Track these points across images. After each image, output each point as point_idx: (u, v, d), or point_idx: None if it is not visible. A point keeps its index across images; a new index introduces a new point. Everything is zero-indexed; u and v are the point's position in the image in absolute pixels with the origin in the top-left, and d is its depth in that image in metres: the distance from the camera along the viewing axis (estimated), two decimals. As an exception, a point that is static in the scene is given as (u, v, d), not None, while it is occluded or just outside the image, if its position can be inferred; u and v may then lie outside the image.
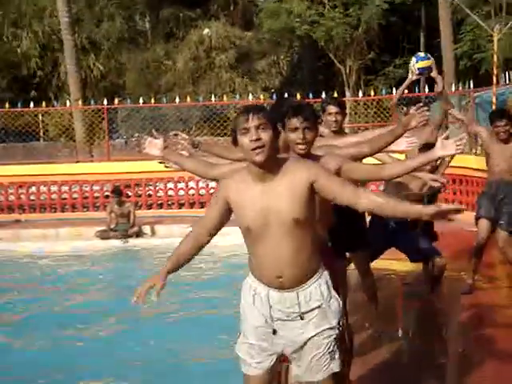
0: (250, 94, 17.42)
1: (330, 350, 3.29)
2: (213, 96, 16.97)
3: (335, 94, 15.49)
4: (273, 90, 24.16)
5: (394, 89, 14.90)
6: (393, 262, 8.78)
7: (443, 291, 7.17)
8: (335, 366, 3.32)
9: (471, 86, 14.51)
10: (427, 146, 5.38)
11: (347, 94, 26.25)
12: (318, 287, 3.27)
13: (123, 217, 12.54)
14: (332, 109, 5.49)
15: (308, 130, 3.51)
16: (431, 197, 6.85)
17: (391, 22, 27.54)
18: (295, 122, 3.48)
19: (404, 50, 30.08)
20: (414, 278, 7.94)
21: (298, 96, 15.31)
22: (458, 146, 3.69)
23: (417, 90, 17.22)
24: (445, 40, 22.23)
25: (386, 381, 4.95)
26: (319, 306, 3.26)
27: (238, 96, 19.85)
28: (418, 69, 6.41)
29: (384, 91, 16.22)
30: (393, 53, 29.23)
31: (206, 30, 27.83)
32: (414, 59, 6.59)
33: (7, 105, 16.10)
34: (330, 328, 3.29)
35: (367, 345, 5.66)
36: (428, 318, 6.55)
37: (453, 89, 15.48)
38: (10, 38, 28.25)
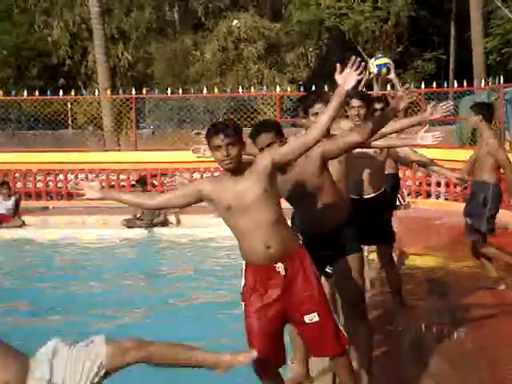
0: (278, 86, 17.37)
1: None
2: (240, 87, 16.97)
3: (363, 88, 15.45)
4: (300, 83, 24.08)
5: (422, 83, 14.80)
6: (416, 258, 8.79)
7: (465, 288, 7.17)
8: None
9: (501, 81, 14.34)
10: None
11: (375, 87, 26.10)
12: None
13: (147, 206, 12.60)
14: (355, 102, 5.53)
15: (231, 145, 3.65)
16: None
17: (421, 15, 27.33)
18: (216, 140, 3.66)
19: (434, 43, 29.86)
20: (438, 275, 7.93)
21: (326, 88, 15.26)
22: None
23: (446, 84, 17.10)
24: (475, 33, 22.03)
25: (406, 377, 4.95)
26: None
27: (265, 88, 19.82)
28: (377, 65, 6.42)
29: (413, 85, 16.09)
30: (422, 46, 29.01)
31: (235, 21, 27.81)
32: (372, 59, 6.59)
33: (37, 93, 16.27)
34: None
35: (388, 340, 5.67)
36: (450, 315, 6.52)
37: (482, 84, 15.34)
38: (41, 27, 28.52)
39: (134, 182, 13.90)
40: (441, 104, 4.70)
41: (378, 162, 5.98)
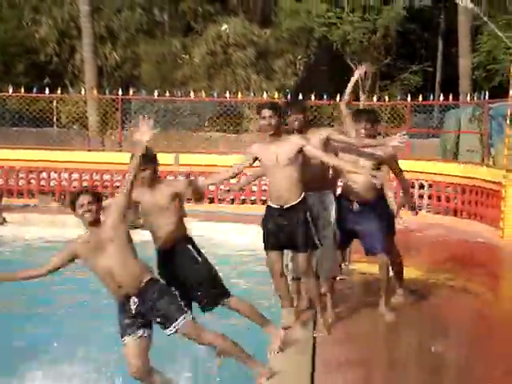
0: (265, 93, 17.40)
1: None
2: (228, 92, 16.98)
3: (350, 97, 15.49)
4: (287, 90, 24.14)
5: (409, 95, 14.90)
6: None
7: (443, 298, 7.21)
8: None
9: (486, 96, 14.47)
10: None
11: (361, 97, 26.21)
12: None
13: (129, 208, 12.50)
14: (265, 112, 5.63)
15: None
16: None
17: (409, 28, 27.51)
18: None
19: (421, 56, 30.07)
20: (417, 286, 7.96)
21: (313, 97, 15.32)
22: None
23: (432, 97, 17.22)
24: (462, 48, 22.21)
25: None
26: None
27: (252, 94, 19.85)
28: None
29: (399, 97, 16.20)
30: (410, 59, 29.21)
31: (224, 26, 27.83)
32: None
33: (22, 90, 16.18)
34: None
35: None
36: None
37: (468, 98, 15.46)
38: (30, 24, 28.39)
39: (118, 184, 13.82)
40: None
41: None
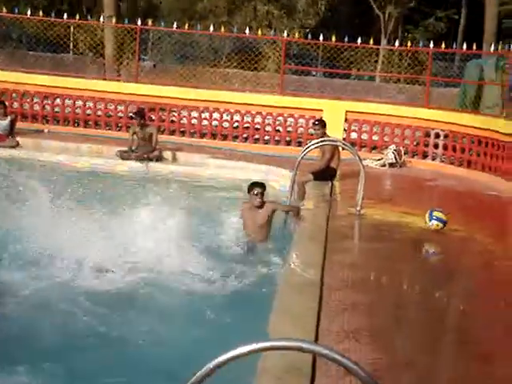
0: (285, 31, 17.07)
1: None
2: (247, 28, 16.70)
3: (371, 41, 15.23)
4: (308, 30, 23.73)
5: (431, 42, 14.58)
6: (403, 216, 8.79)
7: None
8: None
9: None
10: None
11: (383, 41, 25.78)
12: None
13: (144, 140, 12.51)
14: (257, 190, 7.50)
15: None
16: None
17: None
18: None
19: (447, 2, 29.36)
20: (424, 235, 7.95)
21: (334, 38, 15.05)
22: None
23: (454, 45, 16.88)
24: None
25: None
26: None
27: (272, 32, 19.54)
28: (435, 217, 7.72)
29: (421, 43, 15.86)
30: (435, 5, 28.57)
31: (248, -40, 27.22)
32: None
33: (41, 13, 15.97)
34: None
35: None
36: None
37: (491, 49, 15.15)
38: None
39: (131, 114, 13.77)
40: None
41: None
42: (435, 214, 7.67)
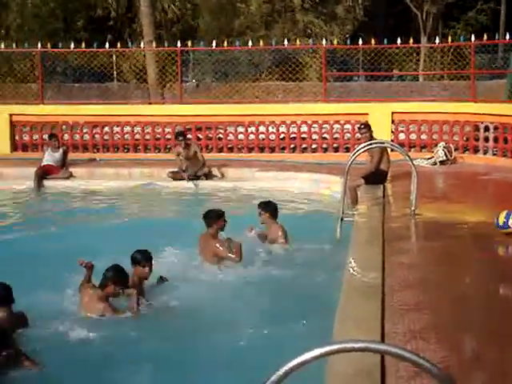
0: (324, 39, 17.08)
1: None
2: (286, 40, 16.76)
3: (410, 41, 15.12)
4: (347, 36, 23.69)
5: (473, 35, 14.39)
6: (460, 212, 8.67)
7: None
8: None
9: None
10: None
11: (423, 40, 25.56)
12: None
13: (189, 158, 12.61)
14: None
15: None
16: None
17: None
18: None
19: (485, -6, 28.91)
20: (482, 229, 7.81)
21: (373, 42, 15.00)
22: None
23: (497, 37, 16.63)
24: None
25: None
26: None
27: (311, 41, 19.55)
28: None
29: (462, 38, 15.67)
30: (473, -2, 28.18)
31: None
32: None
33: (83, 45, 16.33)
34: None
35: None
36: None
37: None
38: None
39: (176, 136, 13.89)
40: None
41: None
42: None
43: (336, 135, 14.37)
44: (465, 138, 13.70)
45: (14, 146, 15.19)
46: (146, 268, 6.54)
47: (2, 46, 16.77)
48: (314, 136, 14.42)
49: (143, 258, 6.55)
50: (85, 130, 15.19)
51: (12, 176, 13.16)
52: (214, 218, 7.75)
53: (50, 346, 5.46)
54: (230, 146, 14.78)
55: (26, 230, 9.77)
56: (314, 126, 14.37)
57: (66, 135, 15.14)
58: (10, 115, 15.11)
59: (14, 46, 17.63)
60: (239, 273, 7.29)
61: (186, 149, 12.63)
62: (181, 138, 12.69)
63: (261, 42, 16.62)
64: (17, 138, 15.24)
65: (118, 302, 6.27)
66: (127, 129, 15.04)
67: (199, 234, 7.89)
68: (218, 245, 7.60)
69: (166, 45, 17.43)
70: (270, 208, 8.45)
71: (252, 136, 14.65)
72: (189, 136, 13.81)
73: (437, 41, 16.24)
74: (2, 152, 14.87)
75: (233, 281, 7.09)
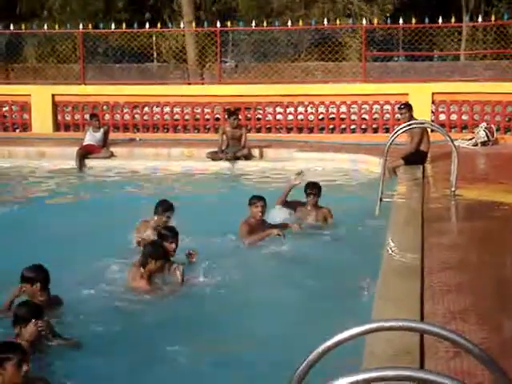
0: (364, 19, 16.91)
1: None
2: (325, 20, 16.64)
3: (452, 20, 14.88)
4: (388, 15, 23.37)
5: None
6: (502, 194, 8.58)
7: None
8: None
9: None
10: None
11: (465, 19, 25.12)
12: None
13: (234, 139, 12.67)
14: (260, 203, 7.76)
15: None
16: None
17: None
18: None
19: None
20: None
21: (414, 20, 14.81)
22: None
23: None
24: None
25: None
26: None
27: (351, 20, 19.39)
28: None
29: (506, 16, 15.37)
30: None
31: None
32: None
33: (124, 26, 16.44)
34: None
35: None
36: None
37: None
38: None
39: (218, 116, 13.93)
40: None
41: None
42: None
43: (375, 116, 14.27)
44: (507, 119, 13.50)
45: (57, 126, 15.42)
46: (173, 244, 6.65)
47: (45, 27, 17.00)
48: (353, 116, 14.34)
49: (170, 233, 6.70)
50: (125, 110, 15.35)
51: (55, 155, 13.37)
52: (250, 203, 7.89)
53: (93, 324, 5.59)
54: (268, 126, 14.79)
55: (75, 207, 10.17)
56: (353, 106, 14.29)
57: (106, 115, 15.31)
58: (53, 95, 15.32)
59: (56, 27, 17.81)
60: (277, 251, 7.35)
61: (236, 128, 12.66)
62: (234, 117, 12.71)
63: (300, 22, 16.54)
64: (59, 117, 15.45)
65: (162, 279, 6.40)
66: (167, 109, 15.13)
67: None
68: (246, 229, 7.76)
69: (205, 25, 17.45)
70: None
71: (291, 116, 14.63)
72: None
73: (479, 19, 15.98)
74: (44, 131, 15.11)
75: (269, 258, 7.20)
